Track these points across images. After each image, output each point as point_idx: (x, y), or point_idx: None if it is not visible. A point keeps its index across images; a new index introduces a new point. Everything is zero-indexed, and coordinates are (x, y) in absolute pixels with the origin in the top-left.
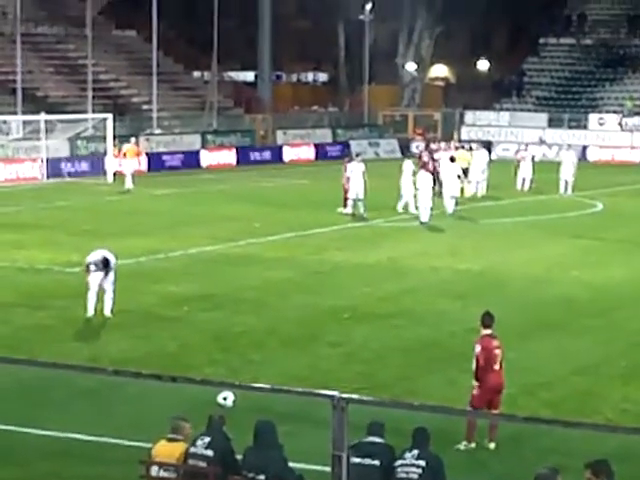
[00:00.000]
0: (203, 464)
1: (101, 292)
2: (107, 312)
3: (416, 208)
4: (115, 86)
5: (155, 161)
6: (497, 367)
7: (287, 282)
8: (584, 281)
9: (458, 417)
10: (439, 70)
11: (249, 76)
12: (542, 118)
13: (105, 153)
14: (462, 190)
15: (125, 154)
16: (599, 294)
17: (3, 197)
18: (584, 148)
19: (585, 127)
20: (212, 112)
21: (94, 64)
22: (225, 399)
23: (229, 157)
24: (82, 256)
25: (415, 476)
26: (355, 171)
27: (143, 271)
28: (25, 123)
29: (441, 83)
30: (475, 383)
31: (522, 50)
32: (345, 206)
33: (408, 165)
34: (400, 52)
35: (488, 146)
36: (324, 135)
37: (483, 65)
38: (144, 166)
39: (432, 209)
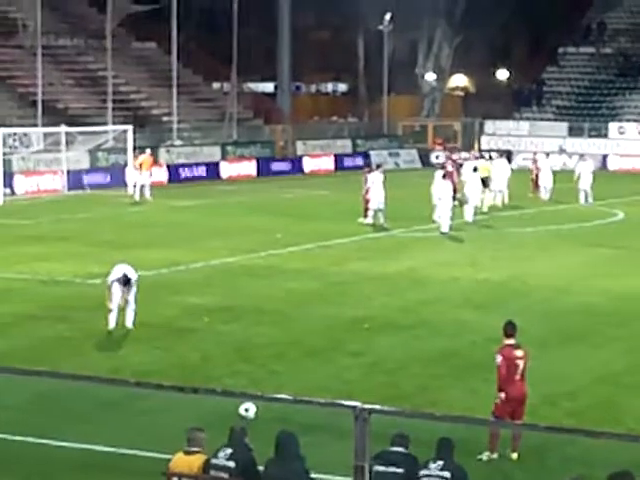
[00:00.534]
0: (225, 476)
1: (123, 304)
2: (129, 324)
3: (435, 219)
4: (135, 98)
5: (175, 172)
6: (518, 377)
7: (308, 293)
8: (605, 290)
9: (480, 427)
10: (459, 80)
11: (269, 87)
12: (562, 127)
13: (125, 165)
14: (482, 200)
15: (141, 165)
16: (620, 303)
17: (24, 209)
18: (604, 157)
19: (605, 136)
20: (232, 123)
21: (114, 76)
22: (247, 410)
23: (249, 168)
24: (103, 268)
25: None
26: (376, 181)
27: (164, 283)
28: (46, 135)
29: (461, 93)
30: (502, 395)
31: (542, 59)
32: (366, 216)
33: (440, 175)
34: (419, 62)
35: (508, 156)
36: (344, 146)
37: (503, 75)
38: (164, 177)
39: (452, 219)
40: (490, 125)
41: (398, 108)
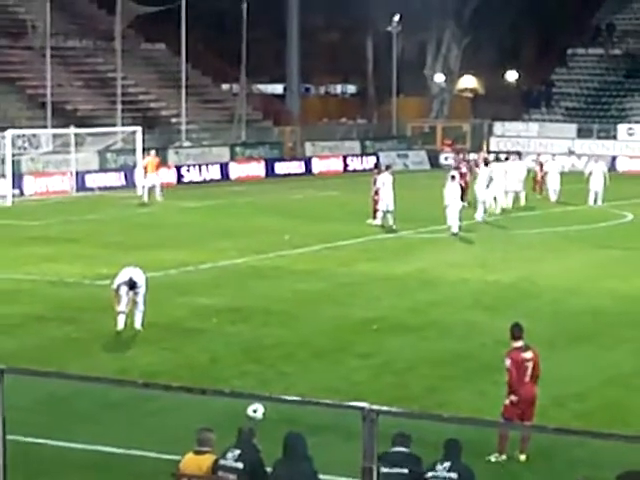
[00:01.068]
0: (233, 476)
1: (132, 306)
2: (137, 325)
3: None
4: (144, 99)
5: (184, 173)
6: (527, 379)
7: (317, 294)
8: (614, 292)
9: (489, 429)
10: (467, 81)
11: (278, 88)
12: (571, 129)
13: (134, 166)
14: (495, 199)
15: (146, 167)
16: (629, 305)
17: (33, 210)
18: (613, 158)
19: (614, 137)
20: (241, 124)
21: (123, 77)
22: (255, 411)
23: (258, 169)
24: (112, 269)
25: None
26: (386, 183)
27: (173, 284)
28: (55, 137)
29: (469, 94)
30: (514, 398)
31: (551, 61)
32: (374, 217)
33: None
34: (428, 63)
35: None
36: (353, 147)
37: (512, 76)
38: (173, 179)
39: (461, 220)
40: (499, 126)
41: (407, 109)
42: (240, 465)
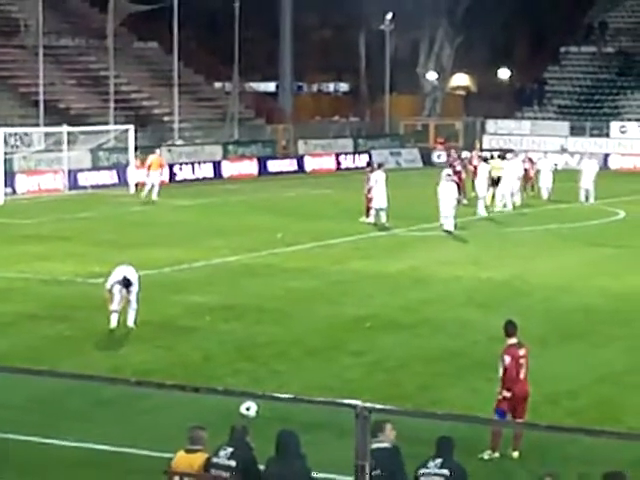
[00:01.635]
0: (226, 474)
1: (124, 304)
2: (130, 323)
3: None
4: (137, 97)
5: (177, 172)
6: (522, 376)
7: (310, 292)
8: (606, 289)
9: (482, 426)
10: (460, 79)
11: (270, 86)
12: (564, 127)
13: (127, 164)
14: (493, 196)
15: (150, 166)
16: (622, 303)
17: (25, 209)
18: (606, 156)
19: (607, 135)
20: (233, 123)
21: (116, 76)
22: (248, 409)
23: (251, 167)
24: (104, 267)
25: None
26: (379, 181)
27: (166, 282)
28: (47, 135)
29: (462, 92)
30: (507, 394)
31: (543, 59)
32: (367, 215)
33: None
34: (421, 62)
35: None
36: (345, 145)
37: (504, 74)
38: (166, 177)
39: (456, 217)
40: (492, 124)
41: (400, 107)
42: (233, 463)
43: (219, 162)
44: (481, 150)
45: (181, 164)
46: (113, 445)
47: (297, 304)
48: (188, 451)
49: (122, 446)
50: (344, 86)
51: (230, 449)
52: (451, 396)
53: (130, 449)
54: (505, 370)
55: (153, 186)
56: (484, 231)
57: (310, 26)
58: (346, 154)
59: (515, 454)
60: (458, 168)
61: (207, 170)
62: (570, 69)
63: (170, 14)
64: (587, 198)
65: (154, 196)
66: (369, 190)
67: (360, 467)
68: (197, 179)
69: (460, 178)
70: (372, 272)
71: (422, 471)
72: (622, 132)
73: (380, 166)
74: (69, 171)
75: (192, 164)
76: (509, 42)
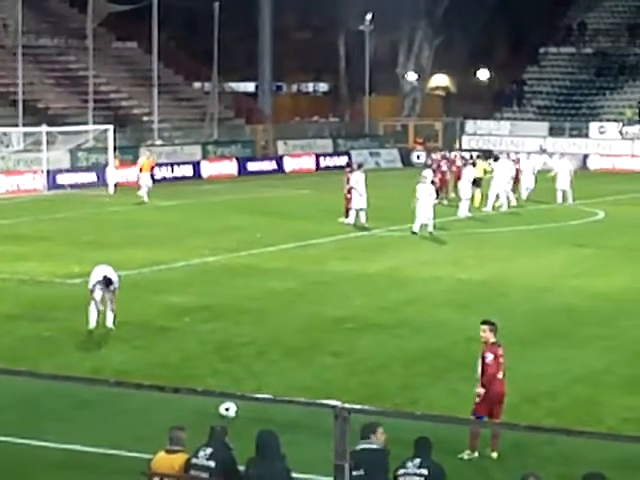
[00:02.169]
0: (205, 475)
1: (103, 304)
2: (109, 324)
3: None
4: (116, 97)
5: (156, 172)
6: (500, 376)
7: (289, 292)
8: (586, 290)
9: (461, 426)
10: (439, 80)
11: (250, 87)
12: (543, 127)
13: (106, 164)
14: (473, 198)
15: (141, 168)
16: (601, 303)
17: (4, 209)
18: (585, 157)
19: (586, 136)
20: (213, 123)
21: (95, 76)
22: (227, 410)
23: (230, 168)
24: (83, 268)
25: None
26: (359, 181)
27: (145, 282)
28: (26, 135)
29: (442, 93)
30: (482, 390)
31: (522, 59)
32: (347, 216)
33: (428, 174)
34: (400, 62)
35: (489, 156)
36: (325, 145)
37: (483, 75)
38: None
39: (434, 218)
40: (471, 125)
41: (379, 108)
42: (212, 463)
43: (198, 162)
44: (460, 150)
45: (160, 165)
46: (94, 446)
47: (276, 304)
48: (168, 451)
49: (103, 447)
50: (324, 86)
51: (209, 450)
52: (430, 396)
53: (111, 450)
54: (486, 368)
55: (145, 187)
56: (464, 232)
57: (289, 26)
58: (325, 154)
59: (494, 454)
60: (444, 168)
61: (186, 170)
62: (549, 70)
63: (149, 14)
64: (564, 199)
65: (144, 197)
66: (349, 190)
67: (339, 467)
68: (176, 179)
69: (445, 179)
70: (352, 272)
71: (401, 471)
72: (601, 132)
73: (360, 166)
74: (48, 171)
75: (171, 164)
76: (488, 43)
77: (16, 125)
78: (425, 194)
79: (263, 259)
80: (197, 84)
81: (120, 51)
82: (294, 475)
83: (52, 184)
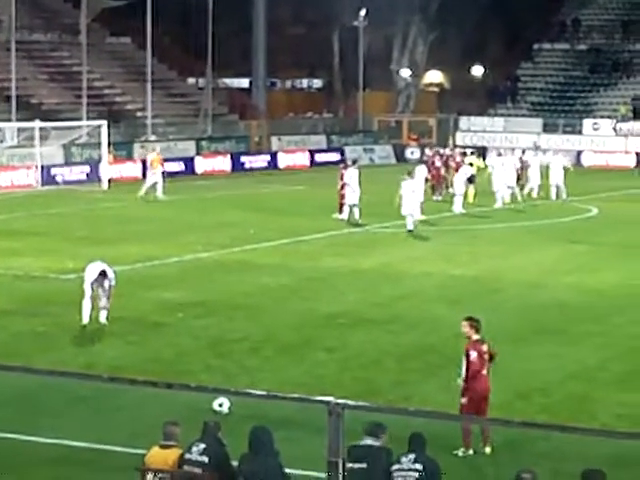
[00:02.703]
0: (198, 470)
1: (96, 299)
2: (102, 319)
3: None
4: (109, 93)
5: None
6: (484, 372)
7: (282, 288)
8: (579, 286)
9: (455, 423)
10: (433, 76)
11: (244, 82)
12: (537, 123)
13: (100, 160)
14: (466, 194)
15: (152, 163)
16: (594, 299)
17: None
18: (579, 153)
19: (580, 132)
20: (207, 119)
21: (88, 71)
22: (221, 405)
23: (224, 163)
24: (77, 263)
25: None
26: (352, 177)
27: (138, 278)
28: (19, 130)
29: (435, 89)
30: (463, 384)
31: (516, 56)
32: (340, 212)
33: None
34: (394, 58)
35: (483, 152)
36: (319, 141)
37: (477, 71)
38: (139, 172)
39: (422, 213)
40: (465, 121)
41: (373, 104)
42: (205, 459)
43: (192, 158)
44: (454, 147)
45: None
46: (88, 441)
47: (270, 300)
48: (162, 447)
49: (97, 442)
50: (318, 82)
51: (202, 445)
52: (423, 392)
53: (104, 445)
54: (470, 365)
55: (155, 184)
56: (457, 228)
57: (283, 22)
58: (319, 150)
59: (487, 449)
60: (438, 164)
61: (180, 166)
62: (543, 66)
63: (143, 9)
64: (558, 195)
65: (142, 192)
66: (342, 186)
67: (333, 463)
68: (170, 175)
69: (440, 174)
70: (345, 268)
71: (396, 467)
72: (595, 129)
73: (354, 162)
74: (42, 167)
75: (165, 160)
76: (482, 39)
77: (9, 120)
78: (408, 191)
79: (257, 255)
80: (191, 80)
81: (114, 46)
82: (287, 471)
83: (46, 180)
